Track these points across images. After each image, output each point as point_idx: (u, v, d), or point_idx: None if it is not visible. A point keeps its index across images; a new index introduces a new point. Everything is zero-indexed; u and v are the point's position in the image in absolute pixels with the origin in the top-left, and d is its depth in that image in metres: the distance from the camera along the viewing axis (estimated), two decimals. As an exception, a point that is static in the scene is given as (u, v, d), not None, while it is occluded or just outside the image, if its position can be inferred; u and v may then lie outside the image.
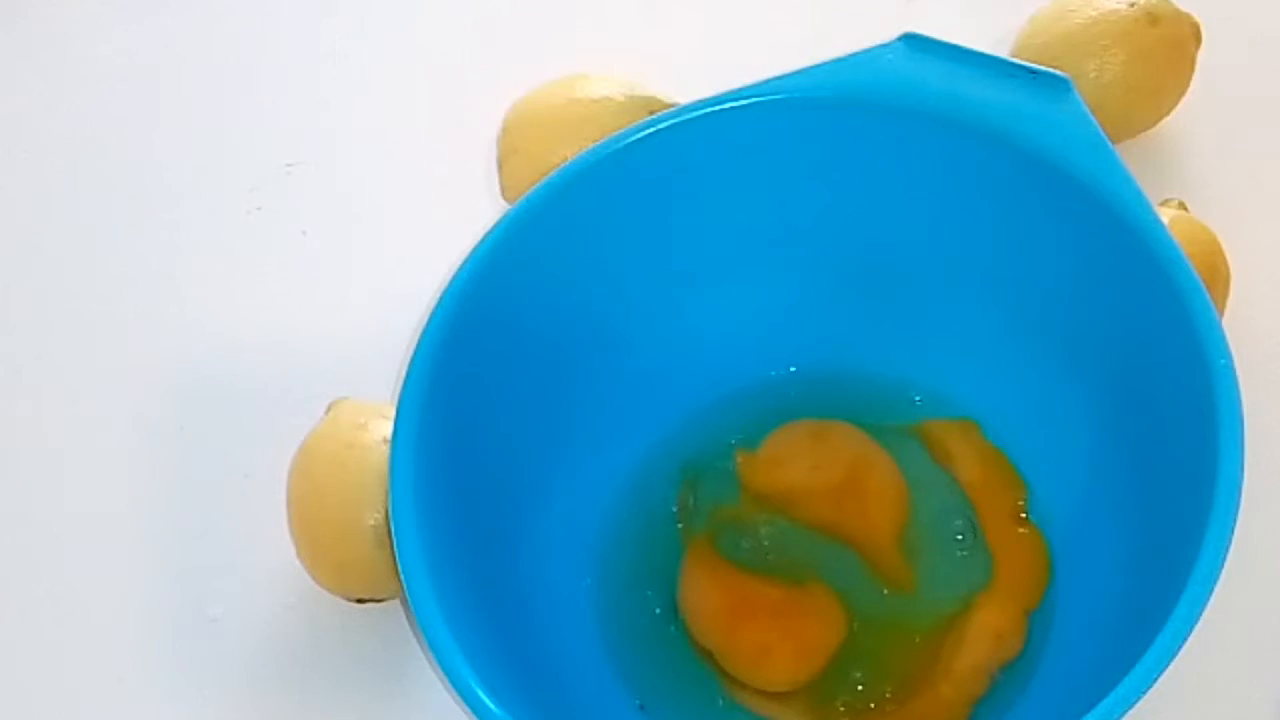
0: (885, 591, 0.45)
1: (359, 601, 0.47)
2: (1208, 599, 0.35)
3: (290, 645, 0.48)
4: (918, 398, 0.48)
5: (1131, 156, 0.44)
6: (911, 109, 0.45)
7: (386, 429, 0.42)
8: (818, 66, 0.45)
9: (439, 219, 0.56)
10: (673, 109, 0.46)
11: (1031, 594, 0.44)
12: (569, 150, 0.49)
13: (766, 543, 0.46)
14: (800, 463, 0.48)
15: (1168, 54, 0.54)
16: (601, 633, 0.45)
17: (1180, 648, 0.34)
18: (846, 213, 0.47)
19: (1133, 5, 0.54)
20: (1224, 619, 0.36)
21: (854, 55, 0.45)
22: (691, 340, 0.48)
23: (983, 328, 0.47)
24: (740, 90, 0.45)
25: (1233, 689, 0.45)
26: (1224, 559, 0.35)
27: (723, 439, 0.48)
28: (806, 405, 0.49)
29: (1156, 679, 0.34)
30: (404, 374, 0.41)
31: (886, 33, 0.46)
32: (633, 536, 0.47)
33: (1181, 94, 0.55)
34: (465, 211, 0.53)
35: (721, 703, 0.44)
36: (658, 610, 0.46)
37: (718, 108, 0.45)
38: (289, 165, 0.60)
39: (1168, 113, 0.56)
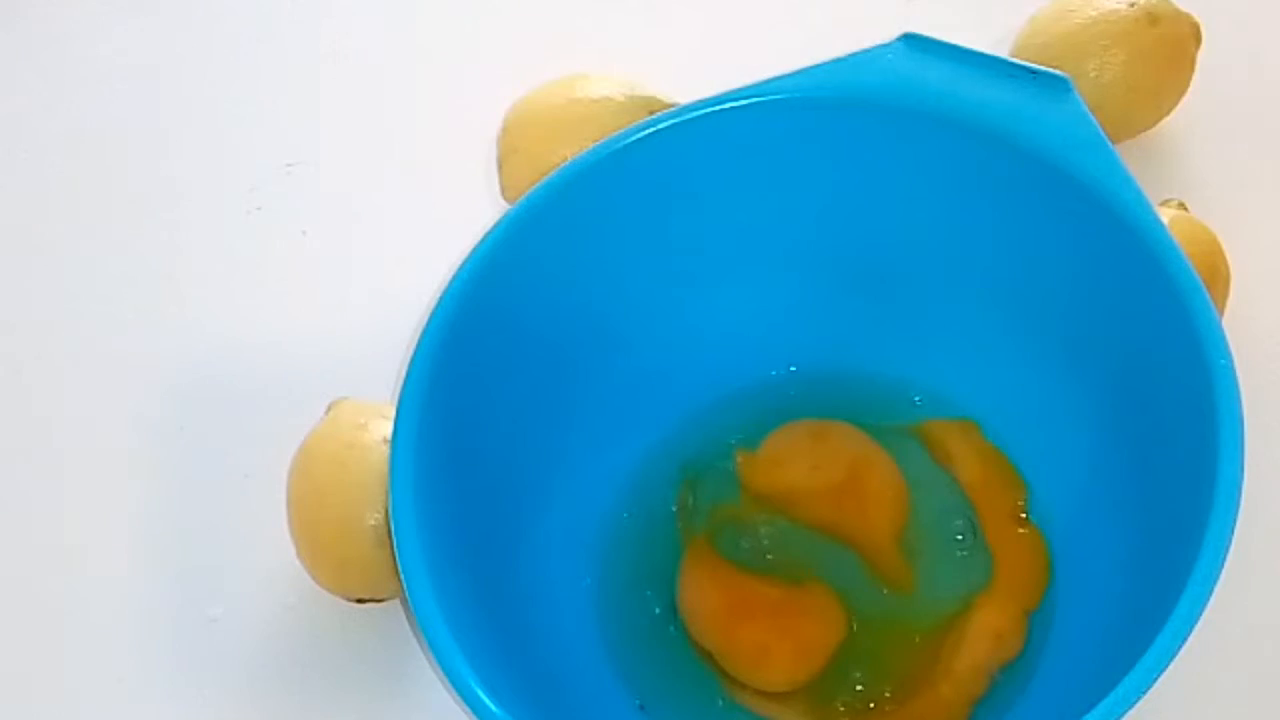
0: (885, 591, 0.45)
1: (359, 601, 0.47)
2: (1208, 599, 0.35)
3: (290, 645, 0.48)
4: (918, 398, 0.48)
5: (1131, 156, 0.44)
6: (911, 109, 0.45)
7: (386, 429, 0.42)
8: (818, 66, 0.45)
9: (439, 219, 0.56)
10: (673, 109, 0.46)
11: (1031, 594, 0.44)
12: (569, 150, 0.49)
13: (766, 543, 0.46)
14: (800, 463, 0.48)
15: (1168, 54, 0.54)
16: (601, 633, 0.45)
17: (1180, 648, 0.34)
18: (846, 213, 0.47)
19: (1133, 5, 0.54)
20: (1224, 619, 0.36)
21: (854, 55, 0.45)
22: (691, 340, 0.48)
23: (983, 328, 0.47)
24: (740, 90, 0.45)
25: (1233, 689, 0.45)
26: (1224, 559, 0.35)
27: (723, 439, 0.48)
28: (806, 405, 0.49)
29: (1156, 679, 0.34)
30: (404, 374, 0.41)
31: (886, 33, 0.46)
32: (633, 536, 0.47)
33: (1181, 94, 0.55)
34: (465, 211, 0.53)
35: (721, 703, 0.44)
36: (657, 610, 0.46)
37: (718, 108, 0.45)
38: (289, 165, 0.60)
39: (1168, 113, 0.56)
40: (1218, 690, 0.44)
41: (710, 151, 0.46)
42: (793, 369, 0.50)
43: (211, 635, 0.49)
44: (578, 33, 0.64)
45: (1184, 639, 0.35)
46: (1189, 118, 0.56)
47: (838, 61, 0.45)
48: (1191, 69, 0.55)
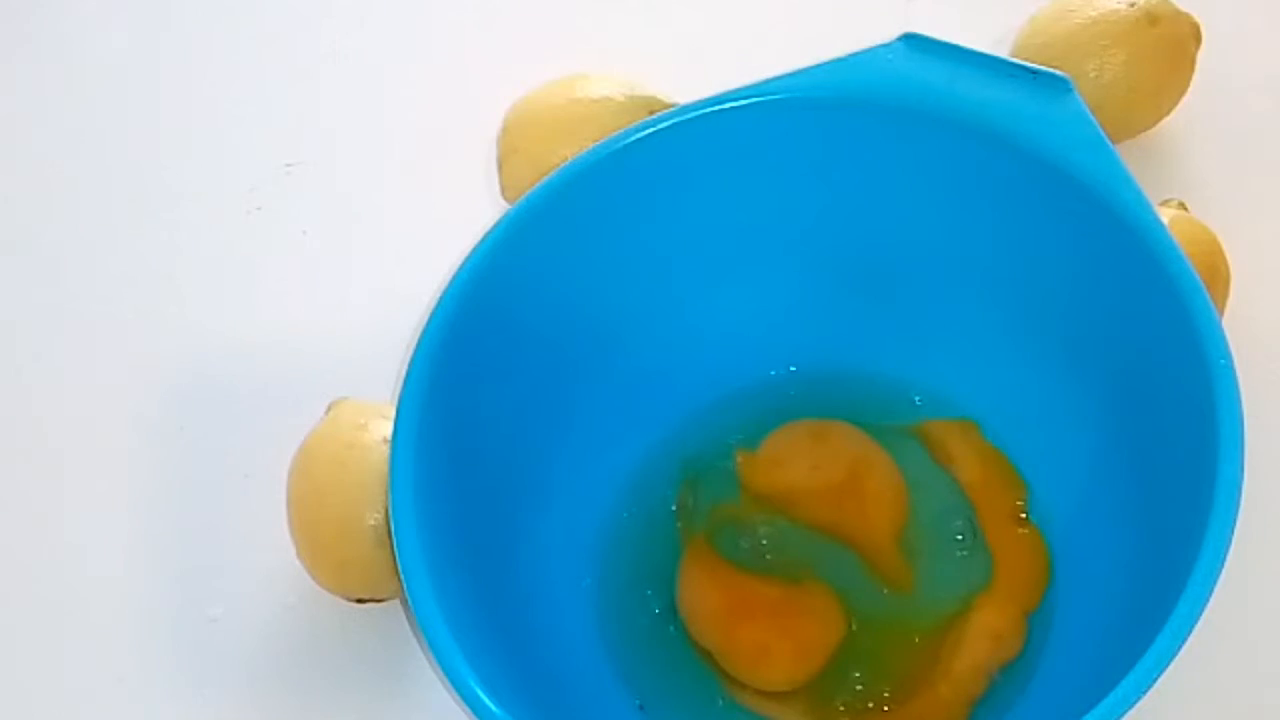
0: (884, 591, 0.45)
1: (359, 601, 0.47)
2: (1208, 599, 0.35)
3: (290, 645, 0.48)
4: (918, 398, 0.48)
5: (1131, 156, 0.44)
6: (911, 109, 0.45)
7: (386, 429, 0.42)
8: (818, 66, 0.45)
9: (439, 219, 0.56)
10: (673, 109, 0.46)
11: (1031, 595, 0.44)
12: (569, 150, 0.49)
13: (765, 542, 0.46)
14: (800, 463, 0.48)
15: (1168, 54, 0.54)
16: (601, 633, 0.45)
17: (1180, 648, 0.34)
18: (846, 213, 0.47)
19: (1133, 5, 0.54)
20: (1224, 619, 0.36)
21: (854, 55, 0.45)
22: (691, 340, 0.48)
23: (983, 328, 0.47)
24: (740, 90, 0.45)
25: (1233, 689, 0.45)
26: (1224, 559, 0.35)
27: (723, 439, 0.48)
28: (806, 405, 0.49)
29: (1156, 679, 0.34)
30: (404, 374, 0.41)
31: (886, 33, 0.46)
32: (633, 536, 0.47)
33: (1181, 94, 0.55)
34: (465, 211, 0.53)
35: (721, 703, 0.44)
36: (657, 610, 0.46)
37: (718, 108, 0.45)
38: (289, 165, 0.60)
39: (1168, 113, 0.56)
40: (1218, 690, 0.44)
41: (710, 151, 0.46)
42: (793, 369, 0.50)
43: (211, 635, 0.49)
44: (578, 33, 0.64)
45: (1184, 639, 0.35)
46: (1189, 118, 0.56)
47: (838, 61, 0.45)
48: (1191, 69, 0.55)
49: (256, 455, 0.51)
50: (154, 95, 0.63)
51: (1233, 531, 0.36)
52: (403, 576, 0.38)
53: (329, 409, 0.49)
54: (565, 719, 0.42)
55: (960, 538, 0.46)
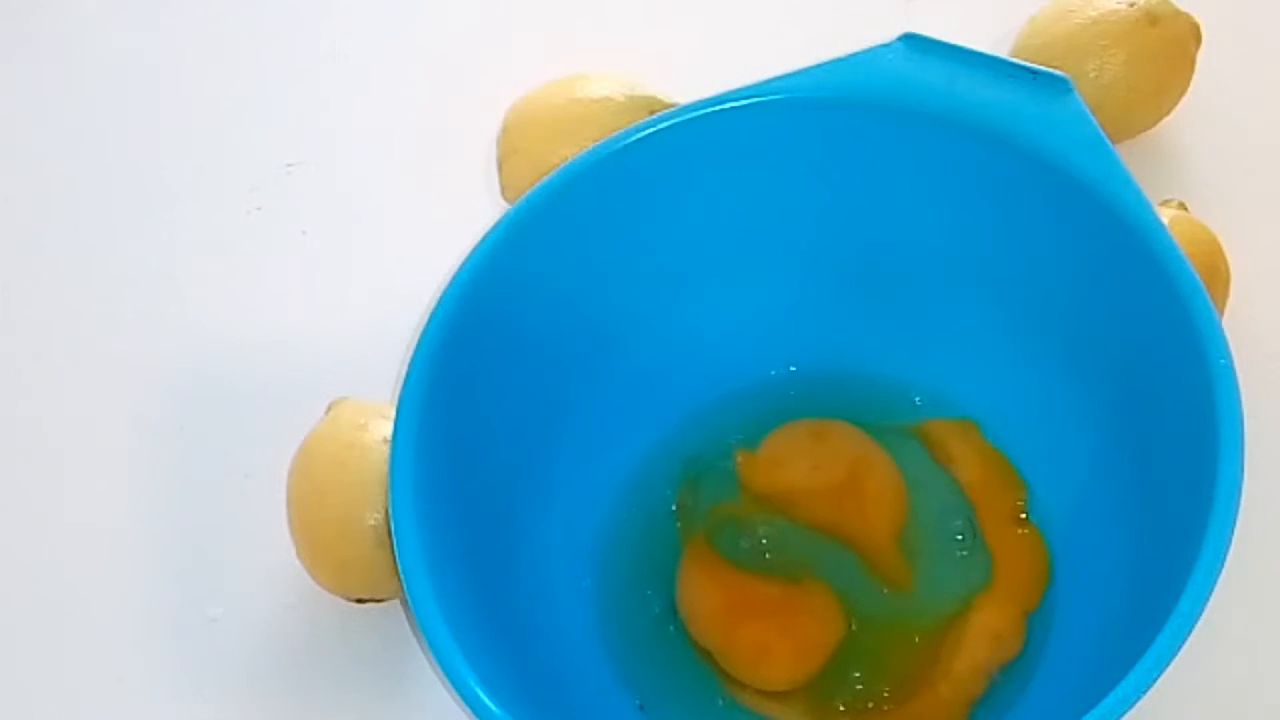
0: (884, 591, 0.45)
1: (359, 601, 0.47)
2: (1208, 599, 0.35)
3: (290, 645, 0.48)
4: (918, 398, 0.48)
5: (1131, 156, 0.44)
6: (911, 109, 0.45)
7: (386, 429, 0.42)
8: (818, 66, 0.45)
9: (439, 219, 0.56)
10: (673, 109, 0.46)
11: (1031, 595, 0.44)
12: (569, 150, 0.49)
13: (765, 542, 0.46)
14: (800, 463, 0.48)
15: (1168, 54, 0.54)
16: (601, 633, 0.45)
17: (1180, 648, 0.34)
18: (846, 213, 0.47)
19: (1133, 5, 0.54)
20: (1224, 619, 0.36)
21: (854, 55, 0.45)
22: (691, 340, 0.48)
23: (983, 328, 0.47)
24: (740, 90, 0.45)
25: (1233, 689, 0.45)
26: (1224, 559, 0.35)
27: (723, 439, 0.48)
28: (806, 405, 0.49)
29: (1156, 679, 0.34)
30: (404, 374, 0.41)
31: (886, 33, 0.46)
32: (633, 536, 0.47)
33: (1181, 94, 0.55)
34: (465, 211, 0.53)
35: (721, 702, 0.44)
36: (657, 610, 0.46)
37: (718, 108, 0.45)
38: (289, 165, 0.60)
39: (1168, 113, 0.56)
40: (1218, 690, 0.44)
41: (710, 151, 0.46)
42: (793, 369, 0.50)
43: (211, 635, 0.49)
44: (578, 33, 0.64)
45: (1184, 639, 0.35)
46: (1189, 118, 0.56)
47: (838, 61, 0.45)
48: (1191, 69, 0.55)
49: (256, 455, 0.51)
50: (154, 95, 0.63)
51: (1233, 531, 0.36)
52: (403, 576, 0.38)
53: (329, 409, 0.49)
54: (565, 719, 0.42)
55: (960, 538, 0.46)
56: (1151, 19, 0.53)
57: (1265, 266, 0.52)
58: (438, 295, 0.42)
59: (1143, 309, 0.42)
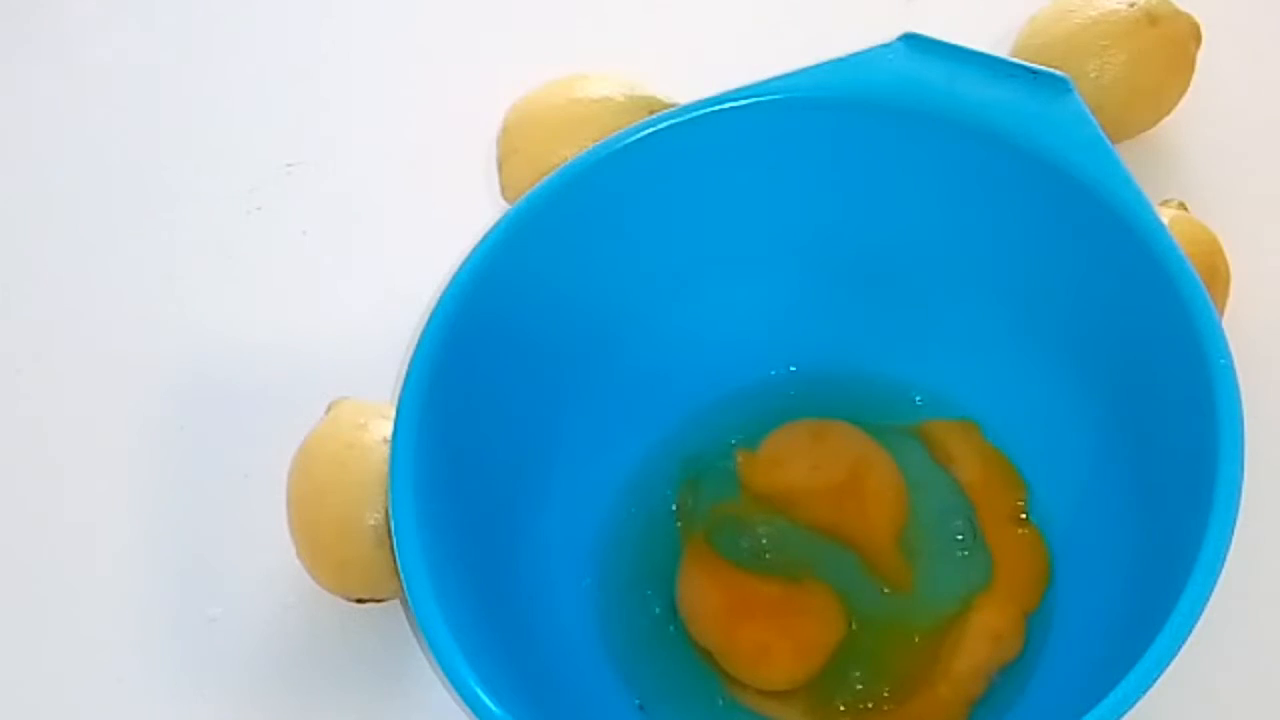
0: (884, 591, 0.45)
1: (359, 601, 0.47)
2: (1208, 599, 0.35)
3: (290, 645, 0.48)
4: (918, 398, 0.48)
5: (1131, 156, 0.44)
6: (911, 109, 0.45)
7: (386, 429, 0.42)
8: (818, 66, 0.45)
9: (439, 219, 0.56)
10: (673, 109, 0.46)
11: (1031, 595, 0.44)
12: (569, 150, 0.49)
13: (765, 542, 0.46)
14: (801, 463, 0.48)
15: (1168, 54, 0.54)
16: (601, 633, 0.45)
17: (1180, 647, 0.34)
18: (846, 212, 0.47)
19: (1133, 5, 0.54)
20: (1224, 619, 0.36)
21: (854, 55, 0.45)
22: (691, 340, 0.48)
23: (983, 328, 0.47)
24: (740, 90, 0.45)
25: (1233, 689, 0.45)
26: (1224, 559, 0.35)
27: (723, 439, 0.48)
28: (807, 405, 0.49)
29: (1156, 680, 0.34)
30: (404, 374, 0.41)
31: (886, 33, 0.46)
32: (633, 537, 0.47)
33: (1181, 94, 0.55)
34: (465, 211, 0.53)
35: (721, 702, 0.44)
36: (657, 610, 0.46)
37: (718, 108, 0.45)
38: (289, 165, 0.60)
39: (1168, 113, 0.56)
40: (1218, 690, 0.44)
41: (710, 151, 0.46)
42: (793, 369, 0.50)
43: (211, 635, 0.49)
44: (578, 33, 0.64)
45: (1184, 639, 0.35)
46: (1189, 118, 0.56)
47: (838, 61, 0.45)
48: (1191, 69, 0.55)
49: (256, 455, 0.51)
50: (154, 95, 0.63)
51: (1233, 531, 0.36)
52: (403, 576, 0.38)
53: (329, 409, 0.49)
54: (565, 719, 0.42)
55: (960, 538, 0.46)
56: (1151, 19, 0.53)
57: (1265, 266, 0.52)
58: (438, 295, 0.42)
59: (1143, 309, 0.42)
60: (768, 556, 0.46)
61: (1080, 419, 0.45)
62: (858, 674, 0.44)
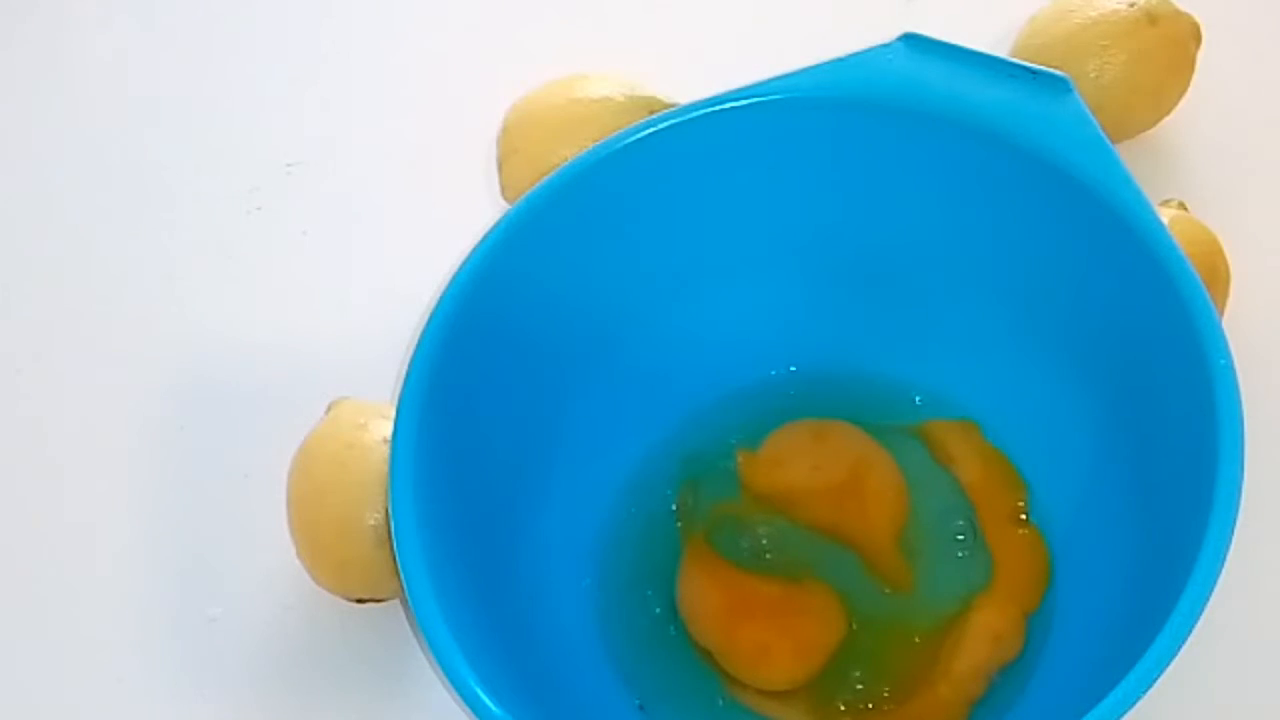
0: (885, 591, 0.45)
1: (359, 601, 0.47)
2: (1208, 599, 0.35)
3: (290, 645, 0.48)
4: (918, 398, 0.48)
5: (1131, 156, 0.44)
6: (911, 109, 0.45)
7: (386, 429, 0.42)
8: (818, 66, 0.45)
9: (439, 219, 0.56)
10: (673, 109, 0.46)
11: (1031, 595, 0.44)
12: (569, 150, 0.49)
13: (765, 542, 0.46)
14: (801, 463, 0.48)
15: (1168, 54, 0.54)
16: (601, 633, 0.45)
17: (1180, 647, 0.34)
18: (847, 213, 0.47)
19: (1133, 5, 0.54)
20: (1224, 619, 0.36)
21: (854, 55, 0.45)
22: (692, 340, 0.48)
23: (983, 328, 0.47)
24: (740, 90, 0.45)
25: (1233, 689, 0.45)
26: (1224, 559, 0.35)
27: (723, 439, 0.48)
28: (807, 405, 0.49)
29: (1156, 680, 0.34)
30: (404, 374, 0.41)
31: (886, 33, 0.46)
32: (633, 537, 0.47)
33: (1181, 94, 0.55)
34: (465, 211, 0.53)
35: (721, 702, 0.44)
36: (658, 610, 0.46)
37: (718, 108, 0.45)
38: (289, 165, 0.60)
39: (1168, 113, 0.56)
40: (1218, 690, 0.44)
41: (710, 151, 0.46)
42: (793, 369, 0.50)
43: (211, 635, 0.49)
44: (578, 33, 0.64)
45: (1184, 639, 0.35)
46: (1189, 118, 0.56)
47: (838, 61, 0.45)
48: (1191, 69, 0.55)
49: (256, 455, 0.51)
50: (154, 95, 0.63)
51: (1233, 531, 0.36)
52: (403, 576, 0.38)
53: (329, 409, 0.49)
54: (565, 719, 0.42)
55: (960, 538, 0.46)
56: (1151, 19, 0.53)
57: (1265, 266, 0.52)
58: (438, 295, 0.42)
59: (1143, 309, 0.42)
60: (768, 556, 0.46)
61: (1080, 419, 0.45)
62: (858, 674, 0.44)
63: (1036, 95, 0.44)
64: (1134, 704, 0.34)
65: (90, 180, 0.61)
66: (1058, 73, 0.44)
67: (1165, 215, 0.47)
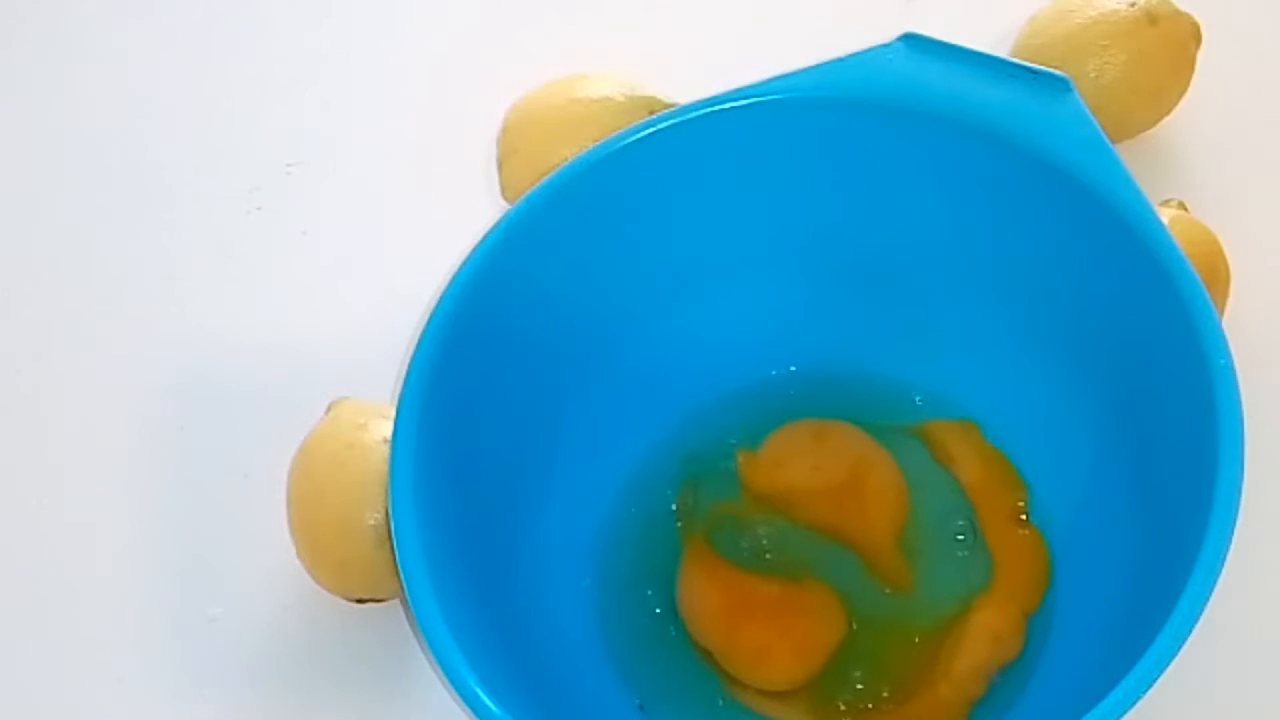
0: (885, 591, 0.45)
1: (359, 601, 0.47)
2: (1208, 599, 0.35)
3: (290, 645, 0.48)
4: (918, 398, 0.48)
5: (1131, 156, 0.44)
6: (911, 109, 0.45)
7: (386, 429, 0.42)
8: (818, 66, 0.45)
9: (439, 219, 0.56)
10: (673, 109, 0.46)
11: (1031, 596, 0.44)
12: (569, 150, 0.49)
13: (765, 542, 0.46)
14: (802, 463, 0.48)
15: (1168, 54, 0.54)
16: (601, 633, 0.45)
17: (1180, 647, 0.34)
18: (847, 213, 0.47)
19: (1133, 5, 0.54)
20: (1224, 619, 0.36)
21: (854, 55, 0.45)
22: (692, 340, 0.48)
23: (983, 328, 0.47)
24: (740, 90, 0.45)
25: (1233, 689, 0.45)
26: (1224, 559, 0.35)
27: (724, 439, 0.48)
28: (807, 405, 0.49)
29: (1155, 680, 0.34)
30: (404, 374, 0.41)
31: (886, 33, 0.46)
32: (633, 536, 0.47)
33: (1181, 94, 0.55)
34: (465, 211, 0.53)
35: (721, 702, 0.44)
36: (658, 610, 0.46)
37: (718, 108, 0.45)
38: (289, 165, 0.60)
39: (1168, 113, 0.56)
40: (1218, 690, 0.44)
41: (710, 151, 0.46)
42: (793, 369, 0.50)
43: (211, 635, 0.49)
44: (578, 33, 0.64)
45: (1184, 639, 0.35)
46: (1189, 118, 0.56)
47: (838, 61, 0.45)
48: (1191, 69, 0.55)
49: (256, 455, 0.51)
50: (154, 95, 0.63)
51: (1233, 531, 0.36)
52: (403, 576, 0.38)
53: (329, 409, 0.49)
54: (565, 719, 0.42)
55: (961, 538, 0.46)
56: (1151, 19, 0.53)
57: (1265, 266, 0.52)
58: (438, 295, 0.42)
59: (1143, 309, 0.42)
60: (768, 556, 0.46)
61: (1080, 419, 0.45)
62: (858, 674, 0.44)
63: (1036, 95, 0.44)
64: (1134, 704, 0.34)
65: (90, 180, 0.61)
66: (1058, 73, 0.44)
67: (1165, 215, 0.47)
